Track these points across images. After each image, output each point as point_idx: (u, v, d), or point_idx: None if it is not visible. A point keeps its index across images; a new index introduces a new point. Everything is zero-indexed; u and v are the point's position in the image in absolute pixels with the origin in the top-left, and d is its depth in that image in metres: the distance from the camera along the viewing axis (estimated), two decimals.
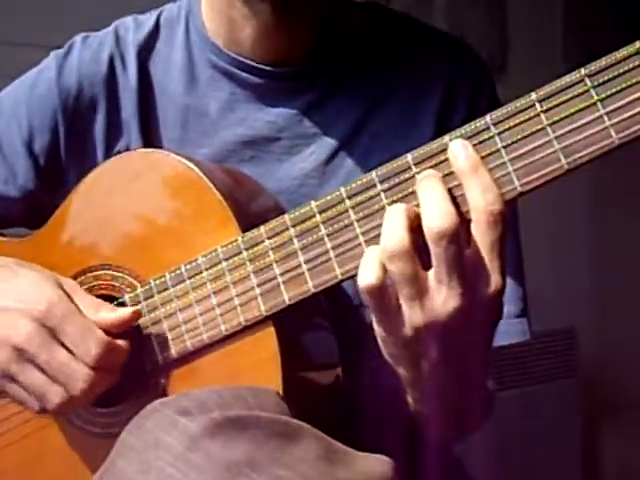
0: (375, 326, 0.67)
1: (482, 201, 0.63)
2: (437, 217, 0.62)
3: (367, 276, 0.64)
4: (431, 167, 0.67)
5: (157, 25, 0.95)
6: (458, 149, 0.65)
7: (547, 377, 2.22)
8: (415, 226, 0.64)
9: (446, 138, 0.66)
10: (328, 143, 0.90)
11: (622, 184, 2.31)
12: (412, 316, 0.64)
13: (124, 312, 0.79)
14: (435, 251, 0.62)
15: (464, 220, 0.64)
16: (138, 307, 0.81)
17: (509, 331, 0.89)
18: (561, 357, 2.26)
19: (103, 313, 0.78)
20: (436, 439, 0.80)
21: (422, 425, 0.77)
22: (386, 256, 0.63)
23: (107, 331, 0.78)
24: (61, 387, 0.76)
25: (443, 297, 0.63)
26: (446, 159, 0.66)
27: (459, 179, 0.65)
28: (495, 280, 0.63)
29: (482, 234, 0.63)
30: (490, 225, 0.63)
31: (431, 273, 0.63)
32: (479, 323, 0.65)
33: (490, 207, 0.62)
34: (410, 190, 0.68)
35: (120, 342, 0.78)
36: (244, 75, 0.90)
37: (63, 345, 0.76)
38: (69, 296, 0.79)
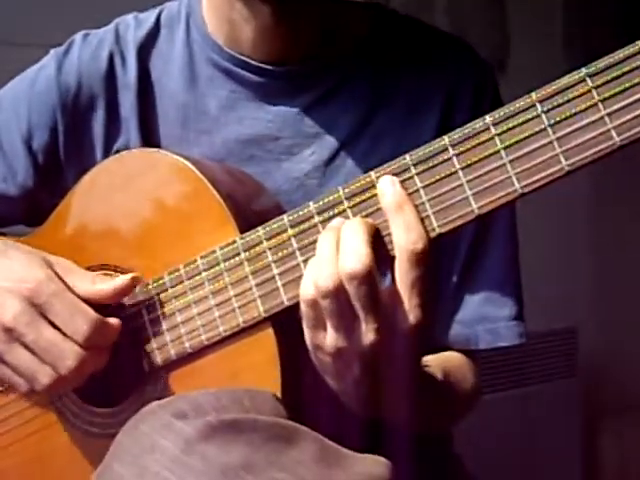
0: (305, 335, 0.69)
1: (404, 239, 0.65)
2: (350, 259, 0.64)
3: (305, 290, 0.67)
4: (431, 167, 0.67)
5: (157, 23, 0.95)
6: (386, 185, 0.67)
7: (547, 377, 2.22)
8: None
9: (445, 138, 0.66)
10: (328, 143, 0.89)
11: (624, 184, 2.30)
12: (336, 341, 0.67)
13: (123, 278, 0.79)
14: (349, 290, 0.65)
15: (387, 258, 0.67)
16: (135, 311, 0.80)
17: (505, 334, 0.89)
18: (561, 357, 2.26)
19: (100, 284, 0.78)
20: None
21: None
22: (318, 293, 0.66)
23: (104, 303, 0.78)
24: (50, 367, 0.76)
25: (362, 330, 0.66)
26: (445, 159, 0.66)
27: (385, 216, 0.67)
28: (415, 316, 0.66)
29: (403, 272, 0.65)
30: (412, 263, 0.65)
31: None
32: (401, 353, 0.68)
33: (412, 246, 0.65)
34: (409, 190, 0.67)
35: (111, 320, 0.77)
36: (244, 74, 0.90)
37: (52, 324, 0.76)
38: (59, 275, 0.78)
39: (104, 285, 0.78)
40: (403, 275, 0.65)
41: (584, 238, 2.38)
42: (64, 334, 0.76)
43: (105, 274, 0.83)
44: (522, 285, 0.92)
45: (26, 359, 0.77)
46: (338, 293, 0.65)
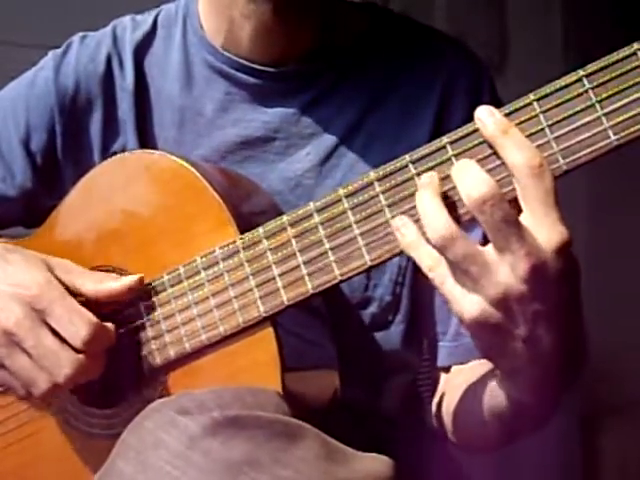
0: (456, 311, 0.64)
1: (521, 158, 0.61)
2: (475, 185, 0.60)
3: (427, 262, 0.63)
4: (430, 168, 0.66)
5: (154, 25, 0.95)
6: (485, 116, 0.63)
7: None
8: (452, 202, 0.64)
9: (444, 139, 0.66)
10: (324, 143, 0.90)
11: (621, 183, 2.30)
12: (486, 293, 0.61)
13: (130, 278, 0.79)
14: (482, 219, 0.60)
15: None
16: (135, 311, 0.80)
17: None
18: None
19: (107, 283, 0.79)
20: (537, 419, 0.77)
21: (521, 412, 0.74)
22: (438, 247, 0.61)
23: (111, 301, 0.78)
24: (47, 373, 0.76)
25: (509, 264, 0.61)
26: (444, 160, 0.66)
27: (486, 151, 0.64)
28: (558, 231, 0.61)
29: (530, 190, 0.61)
30: (536, 178, 0.61)
31: (489, 247, 0.61)
32: (555, 278, 0.62)
33: (531, 162, 0.61)
34: (409, 191, 0.67)
35: (108, 325, 0.78)
36: (240, 75, 0.90)
37: (52, 330, 0.76)
38: (60, 279, 0.78)
39: (113, 283, 0.79)
40: (531, 192, 0.61)
41: (582, 238, 2.38)
42: (63, 340, 0.76)
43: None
44: None
45: (25, 364, 0.77)
46: (460, 235, 0.60)
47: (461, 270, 0.62)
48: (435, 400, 0.91)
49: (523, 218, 0.61)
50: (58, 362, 0.76)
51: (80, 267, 0.81)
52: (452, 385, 0.88)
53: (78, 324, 0.76)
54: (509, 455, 2.02)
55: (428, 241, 0.63)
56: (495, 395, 0.73)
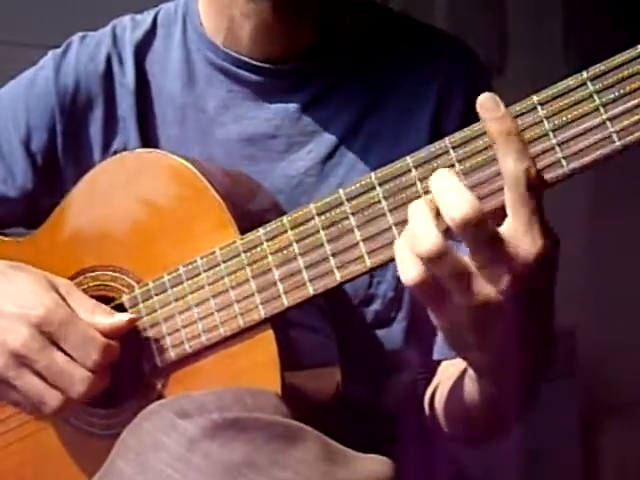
0: (434, 319, 0.65)
1: (519, 170, 0.60)
2: (458, 205, 0.59)
3: (409, 274, 0.61)
4: (431, 170, 0.66)
5: (154, 24, 0.95)
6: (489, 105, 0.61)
7: (547, 377, 2.21)
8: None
9: (446, 140, 0.66)
10: (326, 141, 0.90)
11: (623, 184, 2.30)
12: (466, 301, 0.61)
13: (120, 318, 0.79)
14: (464, 239, 0.60)
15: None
16: (135, 312, 0.81)
17: None
18: (561, 357, 2.26)
19: (98, 317, 0.78)
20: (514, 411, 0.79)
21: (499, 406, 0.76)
22: (425, 260, 0.60)
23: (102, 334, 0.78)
24: (59, 391, 0.76)
25: (488, 277, 0.60)
26: (446, 165, 0.66)
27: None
28: (540, 244, 0.60)
29: (521, 200, 0.60)
30: (531, 191, 0.60)
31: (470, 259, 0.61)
32: (534, 286, 0.62)
33: (528, 174, 0.60)
34: (411, 194, 0.67)
35: (113, 343, 0.78)
36: (242, 73, 0.90)
37: (61, 349, 0.76)
38: (64, 299, 0.79)
39: (102, 319, 0.78)
40: (521, 203, 0.60)
41: (583, 239, 2.38)
42: (73, 359, 0.76)
43: (104, 275, 0.84)
44: None
45: (36, 385, 0.77)
46: (448, 252, 0.59)
47: (444, 282, 0.61)
48: (428, 392, 0.91)
49: (506, 226, 0.61)
50: (71, 380, 0.76)
51: (77, 290, 0.81)
52: (443, 377, 0.88)
53: (89, 347, 0.76)
54: (508, 455, 2.03)
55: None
56: (469, 388, 0.76)
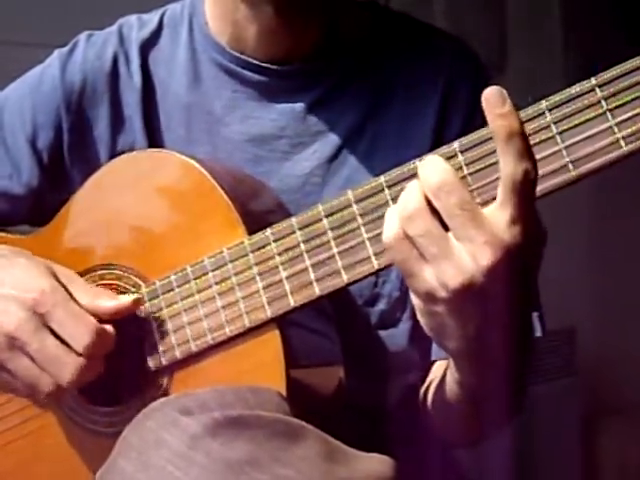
0: (412, 297, 0.63)
1: (518, 174, 0.59)
2: (433, 173, 0.60)
3: (387, 231, 0.61)
4: None
5: (160, 24, 0.95)
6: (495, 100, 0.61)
7: (547, 377, 2.22)
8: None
9: (455, 144, 0.65)
10: (331, 141, 0.90)
11: (624, 183, 2.30)
12: (443, 276, 0.60)
13: (124, 300, 0.79)
14: (438, 206, 0.59)
15: None
16: (139, 296, 0.80)
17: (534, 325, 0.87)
18: (561, 357, 2.26)
19: (102, 300, 0.78)
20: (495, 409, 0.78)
21: (478, 400, 0.75)
22: (404, 220, 0.60)
23: (103, 319, 0.77)
24: (50, 376, 0.76)
25: (470, 251, 0.59)
26: (455, 167, 0.66)
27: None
28: (523, 229, 0.59)
29: (513, 199, 0.59)
30: (526, 193, 0.59)
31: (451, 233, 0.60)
32: (516, 269, 0.60)
33: (528, 176, 0.59)
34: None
35: (108, 329, 0.77)
36: (247, 73, 0.90)
37: (54, 334, 0.76)
38: (64, 285, 0.78)
39: (106, 302, 0.78)
40: (512, 202, 0.59)
41: (584, 238, 2.38)
42: (66, 344, 0.76)
43: (110, 274, 0.84)
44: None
45: (28, 367, 0.77)
46: (425, 212, 0.59)
47: (422, 248, 0.60)
48: (421, 393, 0.91)
49: (491, 211, 0.60)
50: (61, 366, 0.76)
51: (79, 278, 0.81)
52: (434, 377, 0.89)
53: (80, 329, 0.76)
54: (509, 455, 2.03)
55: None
56: (450, 385, 0.76)
